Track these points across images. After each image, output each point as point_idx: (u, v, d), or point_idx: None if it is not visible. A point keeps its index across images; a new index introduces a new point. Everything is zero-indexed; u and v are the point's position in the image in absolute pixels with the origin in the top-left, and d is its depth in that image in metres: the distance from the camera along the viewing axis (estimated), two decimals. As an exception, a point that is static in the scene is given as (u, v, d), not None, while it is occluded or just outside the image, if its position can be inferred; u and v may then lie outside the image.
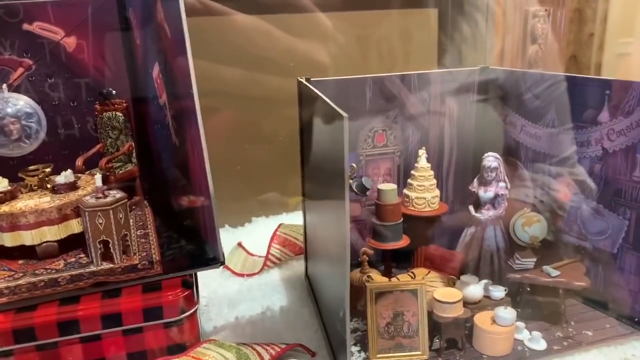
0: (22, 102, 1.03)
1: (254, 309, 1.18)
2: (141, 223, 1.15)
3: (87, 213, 0.95)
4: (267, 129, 1.62)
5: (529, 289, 1.08)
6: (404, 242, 1.17)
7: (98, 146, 1.25)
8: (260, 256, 1.40)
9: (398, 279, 1.10)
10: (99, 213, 0.95)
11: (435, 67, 1.66)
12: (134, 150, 1.24)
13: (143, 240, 1.07)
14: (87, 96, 1.25)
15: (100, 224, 0.96)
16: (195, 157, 0.94)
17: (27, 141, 1.03)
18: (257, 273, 1.34)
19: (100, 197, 0.97)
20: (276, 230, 1.42)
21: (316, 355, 1.02)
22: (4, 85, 1.03)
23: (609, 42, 1.99)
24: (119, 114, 1.22)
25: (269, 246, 1.38)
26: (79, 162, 1.17)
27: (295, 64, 1.55)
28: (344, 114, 0.76)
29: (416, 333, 0.98)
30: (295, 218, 1.56)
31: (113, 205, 0.96)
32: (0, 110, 1.00)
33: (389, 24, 1.71)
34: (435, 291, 1.00)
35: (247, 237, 1.49)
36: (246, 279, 1.32)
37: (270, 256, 1.36)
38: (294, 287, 1.28)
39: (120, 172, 1.21)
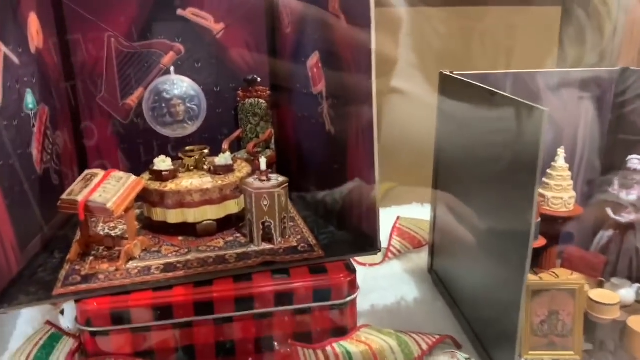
0: (186, 84, 1.07)
1: (387, 299, 1.19)
2: (283, 208, 1.18)
3: (253, 194, 0.98)
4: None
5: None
6: (540, 242, 1.16)
7: (238, 131, 1.29)
8: (376, 247, 1.41)
9: (541, 279, 1.09)
10: (264, 195, 0.98)
11: (555, 65, 1.65)
12: (273, 137, 1.27)
13: (292, 224, 1.10)
14: (229, 82, 1.29)
15: (265, 205, 0.99)
16: (360, 144, 0.96)
17: (189, 122, 1.07)
18: (379, 263, 1.36)
19: (264, 180, 1.00)
20: (396, 222, 1.43)
21: (462, 347, 1.02)
22: (172, 68, 1.07)
23: None
24: (261, 101, 1.25)
25: (390, 238, 1.39)
26: (224, 145, 1.21)
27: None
28: (544, 108, 0.76)
29: (570, 333, 0.97)
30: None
31: (278, 188, 0.99)
32: (168, 92, 1.04)
33: (507, 20, 1.70)
34: (591, 292, 0.99)
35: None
36: (368, 268, 1.34)
37: (391, 247, 1.38)
38: (420, 279, 1.28)
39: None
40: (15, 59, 0.95)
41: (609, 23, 1.77)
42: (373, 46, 0.84)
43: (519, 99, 0.83)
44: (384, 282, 1.27)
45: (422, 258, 1.38)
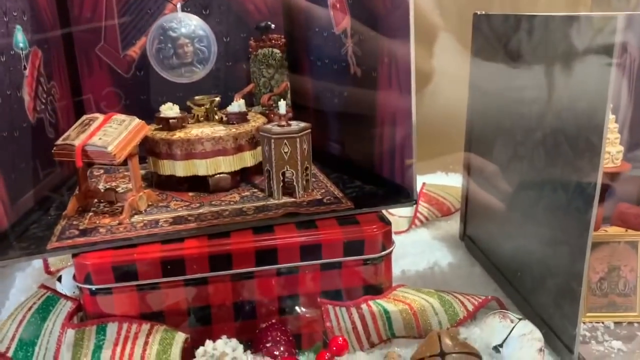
0: (194, 23, 0.95)
1: (419, 264, 1.08)
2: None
3: (272, 140, 0.87)
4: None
5: None
6: (587, 198, 1.05)
7: (250, 86, 1.18)
8: (400, 216, 1.30)
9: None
10: (285, 141, 0.87)
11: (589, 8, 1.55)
12: (289, 90, 1.16)
13: (313, 179, 0.98)
14: (240, 31, 1.18)
15: (286, 153, 0.87)
16: (394, 80, 0.85)
17: (198, 66, 0.96)
18: (406, 231, 1.25)
19: (285, 125, 0.89)
20: (422, 188, 1.32)
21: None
22: (179, 5, 0.96)
23: None
24: (276, 50, 1.14)
25: (417, 204, 1.28)
26: (236, 97, 1.10)
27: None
28: (619, 13, 0.65)
29: (633, 291, 0.86)
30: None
31: (300, 134, 0.88)
32: (175, 30, 0.93)
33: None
34: (655, 245, 0.88)
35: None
36: (394, 236, 1.22)
37: (418, 214, 1.26)
38: (453, 246, 1.17)
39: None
40: (3, -11, 0.84)
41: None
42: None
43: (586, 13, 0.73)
44: (413, 249, 1.16)
45: (451, 225, 1.28)
